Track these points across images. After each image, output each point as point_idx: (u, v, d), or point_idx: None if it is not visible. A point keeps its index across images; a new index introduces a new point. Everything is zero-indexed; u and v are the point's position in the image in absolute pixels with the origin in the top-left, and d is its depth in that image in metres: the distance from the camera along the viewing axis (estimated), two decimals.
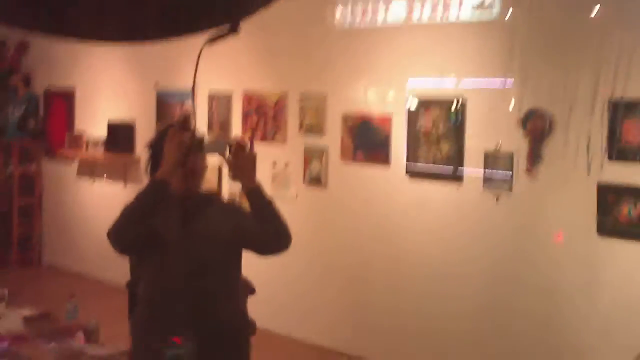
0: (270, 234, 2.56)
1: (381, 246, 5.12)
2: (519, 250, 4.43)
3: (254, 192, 2.54)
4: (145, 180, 2.61)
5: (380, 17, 5.13)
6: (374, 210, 5.17)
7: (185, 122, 2.59)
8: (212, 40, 2.51)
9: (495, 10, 4.56)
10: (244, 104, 5.98)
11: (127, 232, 2.49)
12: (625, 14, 3.99)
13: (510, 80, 4.42)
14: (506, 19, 4.46)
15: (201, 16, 2.44)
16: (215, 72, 5.89)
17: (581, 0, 4.15)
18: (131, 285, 2.88)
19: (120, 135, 6.97)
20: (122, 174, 7.01)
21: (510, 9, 4.46)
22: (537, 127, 4.33)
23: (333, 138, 5.39)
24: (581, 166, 4.13)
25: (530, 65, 4.34)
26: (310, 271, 5.53)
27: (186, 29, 2.66)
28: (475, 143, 4.62)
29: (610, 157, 4.05)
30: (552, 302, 4.28)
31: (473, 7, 4.64)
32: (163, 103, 6.65)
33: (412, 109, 4.93)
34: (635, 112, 3.98)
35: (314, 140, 5.50)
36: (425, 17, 4.90)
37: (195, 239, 2.62)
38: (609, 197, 4.05)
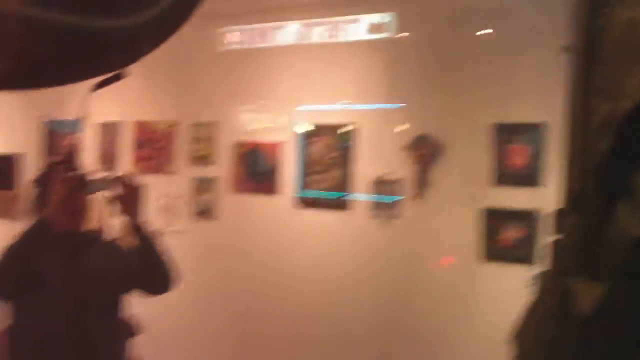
0: (154, 274, 2.54)
1: (272, 276, 4.95)
2: (407, 274, 4.35)
3: (138, 229, 2.52)
4: (27, 218, 2.58)
5: (270, 39, 5.05)
6: (265, 240, 5.01)
7: (70, 160, 2.59)
8: (99, 86, 2.44)
9: (387, 33, 4.56)
10: (135, 135, 5.75)
11: (10, 274, 2.41)
12: (510, 39, 4.03)
13: (399, 106, 4.39)
14: (397, 39, 4.46)
15: (94, 63, 2.29)
16: (105, 102, 5.64)
17: (469, 24, 4.18)
18: (11, 330, 2.71)
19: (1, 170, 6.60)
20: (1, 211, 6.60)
21: (401, 34, 4.47)
22: (425, 153, 4.30)
23: (224, 167, 5.22)
24: (468, 191, 4.10)
25: (419, 90, 4.34)
26: (199, 306, 5.28)
27: (79, 76, 2.53)
28: (365, 169, 4.56)
29: (495, 182, 4.04)
30: (439, 324, 4.20)
31: (365, 29, 4.63)
32: (53, 134, 6.34)
33: (303, 135, 4.84)
34: (520, 136, 3.98)
35: (204, 171, 5.32)
36: (316, 38, 4.84)
37: (77, 279, 2.57)
38: (493, 221, 4.02)
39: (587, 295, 0.99)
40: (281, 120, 4.96)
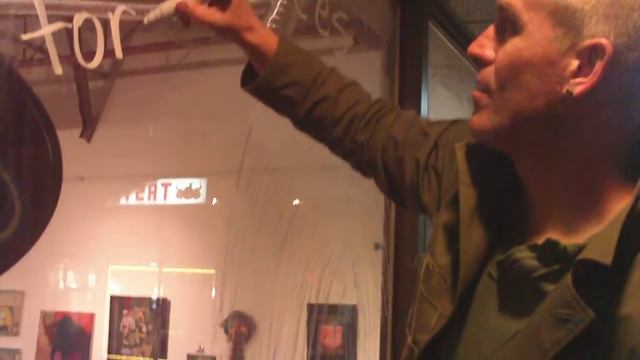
0: None
1: None
2: None
3: None
4: None
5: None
6: None
7: None
8: None
9: (201, 198, 4.38)
10: None
11: None
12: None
13: (214, 280, 4.20)
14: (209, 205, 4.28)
15: None
16: None
17: (289, 194, 4.03)
18: None
19: None
20: None
21: (215, 199, 4.31)
22: (239, 330, 4.09)
23: (28, 339, 4.76)
24: None
25: (234, 263, 4.12)
26: None
27: None
28: (178, 345, 4.29)
29: None
30: None
31: (179, 192, 4.43)
32: None
33: (114, 306, 4.51)
34: (332, 317, 3.85)
35: (5, 343, 4.83)
36: (131, 200, 4.58)
37: None
38: None
39: None
40: (92, 289, 4.65)
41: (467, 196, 0.94)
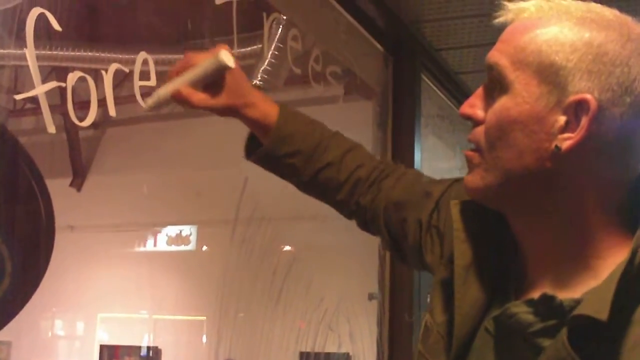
0: None
1: None
2: None
3: None
4: None
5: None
6: None
7: None
8: None
9: (191, 245, 4.36)
10: None
11: None
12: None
13: (205, 327, 4.16)
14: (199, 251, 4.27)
15: None
16: None
17: (283, 242, 4.01)
18: None
19: None
20: None
21: (205, 246, 4.29)
22: None
23: None
24: None
25: (226, 310, 4.09)
26: None
27: None
28: None
29: None
30: None
31: (169, 239, 4.41)
32: None
33: (103, 355, 4.46)
34: None
35: None
36: (121, 247, 4.56)
37: None
38: None
39: None
40: (80, 333, 4.60)
41: (462, 252, 0.95)
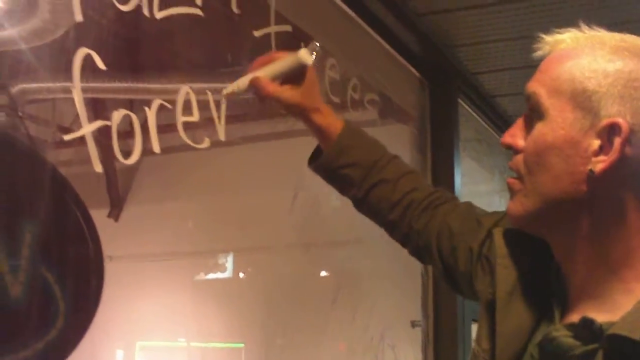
0: None
1: None
2: None
3: None
4: None
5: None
6: None
7: None
8: None
9: (227, 272, 4.36)
10: None
11: None
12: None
13: (243, 354, 4.13)
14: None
15: None
16: None
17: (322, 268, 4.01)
18: None
19: None
20: None
21: (241, 273, 4.29)
22: None
23: None
24: None
25: (264, 337, 4.09)
26: None
27: None
28: None
29: None
30: None
31: (206, 267, 4.42)
32: None
33: None
34: None
35: None
36: (159, 277, 4.57)
37: None
38: None
39: None
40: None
41: (505, 278, 0.97)
